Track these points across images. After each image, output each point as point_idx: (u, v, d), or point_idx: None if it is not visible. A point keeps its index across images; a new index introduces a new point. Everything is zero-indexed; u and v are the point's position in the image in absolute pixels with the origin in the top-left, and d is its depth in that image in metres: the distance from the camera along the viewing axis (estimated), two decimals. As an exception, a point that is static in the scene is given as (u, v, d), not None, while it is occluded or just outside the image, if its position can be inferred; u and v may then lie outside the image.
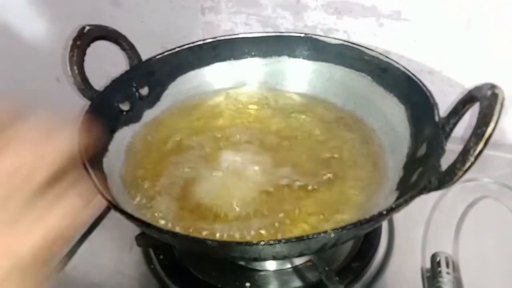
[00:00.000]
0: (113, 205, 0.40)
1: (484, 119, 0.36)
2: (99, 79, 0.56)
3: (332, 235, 0.36)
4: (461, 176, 0.37)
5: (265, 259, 0.46)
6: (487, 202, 0.60)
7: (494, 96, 0.37)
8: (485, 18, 0.60)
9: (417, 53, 0.66)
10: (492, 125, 0.36)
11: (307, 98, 0.64)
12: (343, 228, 0.36)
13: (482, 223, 0.57)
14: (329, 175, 0.52)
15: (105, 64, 0.71)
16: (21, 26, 0.93)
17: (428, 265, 0.52)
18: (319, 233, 0.35)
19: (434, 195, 0.58)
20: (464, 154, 0.37)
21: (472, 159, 0.36)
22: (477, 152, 0.36)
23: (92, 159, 0.47)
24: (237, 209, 0.48)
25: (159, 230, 0.37)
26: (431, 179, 0.40)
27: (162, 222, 0.47)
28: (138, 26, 0.81)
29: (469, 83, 0.66)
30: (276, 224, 0.46)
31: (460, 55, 0.65)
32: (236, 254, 0.39)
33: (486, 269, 0.52)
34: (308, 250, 0.38)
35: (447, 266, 0.50)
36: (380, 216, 0.37)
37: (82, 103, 0.54)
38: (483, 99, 0.38)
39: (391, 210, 0.38)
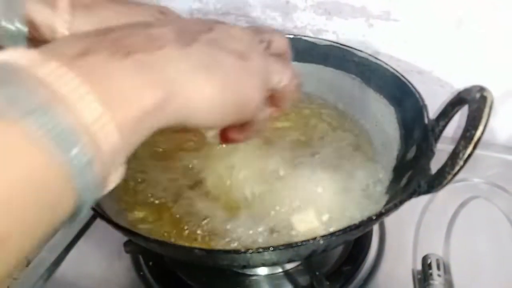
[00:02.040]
0: (99, 214, 0.40)
1: (473, 122, 0.36)
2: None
3: (321, 241, 0.35)
4: (451, 179, 0.37)
5: (255, 267, 0.45)
6: (478, 203, 0.59)
7: (483, 99, 0.37)
8: (476, 18, 0.60)
9: (407, 54, 0.66)
10: (481, 128, 0.36)
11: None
12: (332, 234, 0.35)
13: (473, 223, 0.57)
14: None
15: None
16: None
17: (419, 267, 0.51)
18: (308, 240, 0.35)
19: (424, 197, 0.58)
20: (453, 158, 0.36)
21: (461, 162, 0.36)
22: (466, 155, 0.36)
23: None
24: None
25: (146, 238, 0.37)
26: (421, 182, 0.39)
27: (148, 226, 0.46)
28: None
29: (460, 83, 0.66)
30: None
31: (450, 56, 0.64)
32: (224, 262, 0.38)
33: (478, 270, 0.52)
34: (297, 257, 0.38)
35: (438, 268, 0.50)
36: (369, 221, 0.37)
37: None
38: (472, 102, 0.38)
39: (380, 215, 0.37)
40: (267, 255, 0.35)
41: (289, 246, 0.35)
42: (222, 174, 0.50)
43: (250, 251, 0.34)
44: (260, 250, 0.35)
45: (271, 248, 0.34)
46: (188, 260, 0.40)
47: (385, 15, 0.64)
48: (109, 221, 0.39)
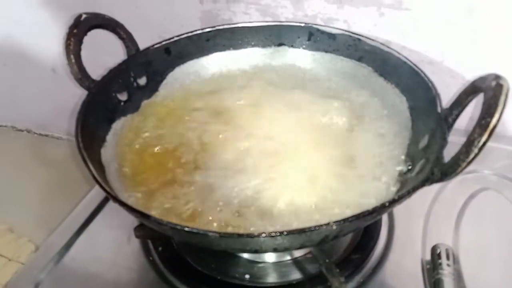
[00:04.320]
0: (113, 197, 0.40)
1: (488, 110, 0.36)
2: (96, 69, 0.55)
3: (334, 227, 0.35)
4: (465, 167, 0.37)
5: (266, 251, 0.45)
6: (488, 194, 0.59)
7: (499, 87, 0.36)
8: (487, 8, 0.60)
9: (418, 43, 0.66)
10: (497, 116, 0.35)
11: (310, 79, 0.63)
12: (345, 220, 0.35)
13: (483, 215, 0.57)
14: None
15: (102, 54, 0.70)
16: (17, 15, 0.92)
17: (428, 257, 0.51)
18: (321, 225, 0.35)
19: (434, 187, 0.58)
20: (468, 145, 0.36)
21: (476, 150, 0.36)
22: (481, 143, 0.35)
23: (90, 150, 0.46)
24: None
25: (159, 222, 0.37)
26: (434, 170, 0.39)
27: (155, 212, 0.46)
28: (134, 14, 0.79)
29: (470, 74, 0.65)
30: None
31: (461, 46, 0.64)
32: (237, 246, 0.38)
33: (486, 261, 0.52)
34: (309, 242, 0.38)
35: (447, 258, 0.50)
36: (382, 207, 0.37)
37: (78, 94, 0.53)
38: (487, 90, 0.37)
39: (393, 202, 0.37)
40: (280, 240, 0.36)
41: (301, 231, 0.35)
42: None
43: (264, 235, 0.35)
44: (273, 234, 0.35)
45: (285, 233, 0.34)
46: (200, 243, 0.40)
47: (396, 4, 0.64)
48: (123, 204, 0.39)
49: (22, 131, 1.16)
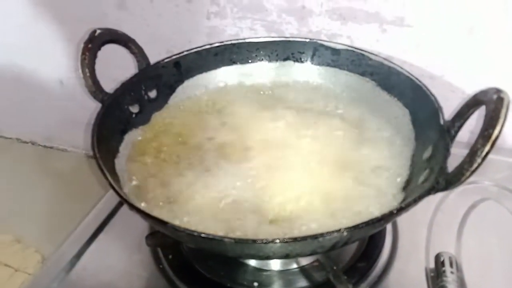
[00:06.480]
0: (130, 205, 0.41)
1: (491, 122, 0.38)
2: (105, 83, 0.57)
3: (345, 233, 0.37)
4: (469, 176, 0.38)
5: (279, 257, 0.47)
6: (488, 204, 0.61)
7: (500, 100, 0.38)
8: (487, 25, 0.62)
9: (419, 59, 0.68)
10: (498, 127, 0.37)
11: (315, 93, 0.65)
12: (355, 227, 0.37)
13: (484, 224, 0.59)
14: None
15: (112, 68, 0.72)
16: (26, 28, 0.94)
17: (432, 265, 0.53)
18: (333, 232, 0.36)
19: (436, 198, 0.60)
20: (471, 156, 0.38)
21: (479, 160, 0.38)
22: (484, 153, 0.37)
23: (105, 160, 0.47)
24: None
25: (176, 228, 0.38)
26: (439, 179, 0.41)
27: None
28: (143, 30, 0.82)
29: (470, 88, 0.67)
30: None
31: (461, 61, 0.66)
32: (250, 252, 0.40)
33: (488, 269, 0.53)
34: (320, 248, 0.39)
35: (451, 265, 0.51)
36: (390, 215, 0.38)
37: (84, 106, 0.54)
38: (489, 103, 0.39)
39: (401, 209, 0.39)
40: (293, 245, 0.37)
41: (314, 237, 0.36)
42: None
43: (278, 240, 0.36)
44: (287, 240, 0.36)
45: (298, 239, 0.36)
46: (215, 250, 0.41)
47: (398, 20, 0.66)
48: (141, 211, 0.40)
49: (27, 143, 1.17)
